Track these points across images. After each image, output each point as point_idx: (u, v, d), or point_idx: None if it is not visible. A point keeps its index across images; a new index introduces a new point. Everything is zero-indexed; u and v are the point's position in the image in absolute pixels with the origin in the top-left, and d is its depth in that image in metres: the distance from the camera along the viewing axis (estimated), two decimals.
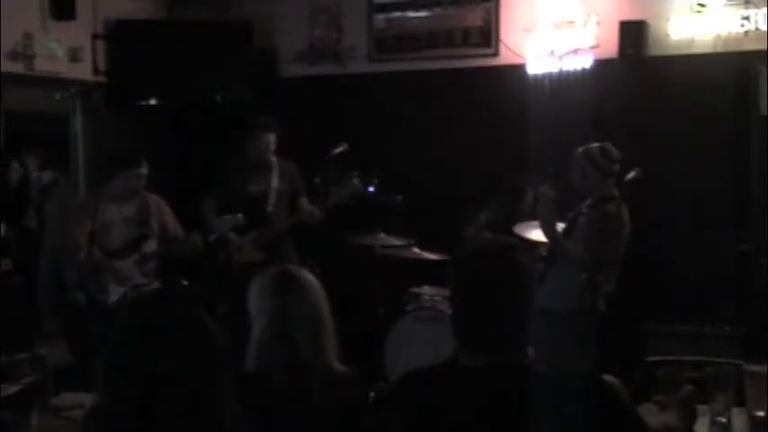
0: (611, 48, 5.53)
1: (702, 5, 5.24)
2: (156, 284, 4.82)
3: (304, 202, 5.19)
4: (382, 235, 5.31)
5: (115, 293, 4.67)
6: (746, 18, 5.11)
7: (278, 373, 2.39)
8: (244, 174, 5.17)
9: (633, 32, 5.45)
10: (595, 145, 4.29)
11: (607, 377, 2.07)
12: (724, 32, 5.20)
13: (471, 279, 1.99)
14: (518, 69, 5.74)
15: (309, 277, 2.54)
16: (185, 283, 5.24)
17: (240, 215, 4.94)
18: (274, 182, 5.17)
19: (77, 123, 6.28)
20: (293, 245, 5.26)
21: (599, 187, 4.27)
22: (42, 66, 5.67)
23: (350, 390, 2.49)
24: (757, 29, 5.10)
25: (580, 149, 4.31)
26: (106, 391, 1.80)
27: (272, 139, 5.16)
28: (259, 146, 5.13)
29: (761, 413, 2.67)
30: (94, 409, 1.87)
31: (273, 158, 5.20)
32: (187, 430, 1.74)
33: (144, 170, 4.73)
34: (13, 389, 3.15)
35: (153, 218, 4.82)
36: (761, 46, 5.07)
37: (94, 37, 6.18)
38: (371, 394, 4.96)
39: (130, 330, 1.82)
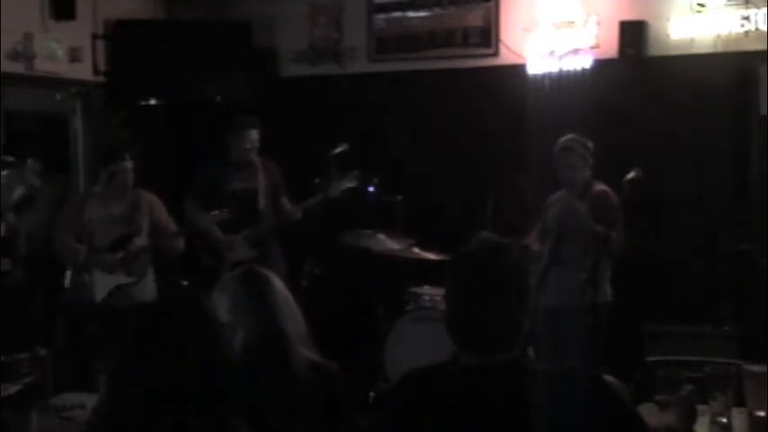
0: (611, 48, 5.53)
1: (702, 5, 5.24)
2: (143, 283, 4.80)
3: (285, 202, 5.20)
4: (382, 235, 5.31)
5: (101, 292, 4.67)
6: (746, 18, 5.11)
7: (270, 369, 2.41)
8: (229, 172, 5.17)
9: (633, 32, 5.45)
10: (574, 135, 4.51)
11: (607, 377, 2.07)
12: (724, 32, 5.20)
13: (465, 279, 1.99)
14: (518, 69, 5.73)
15: (269, 272, 2.60)
16: (185, 283, 5.24)
17: (225, 210, 4.92)
18: (261, 180, 5.18)
19: (77, 123, 6.27)
20: (279, 243, 5.26)
21: (585, 173, 4.49)
22: (42, 66, 5.66)
23: (332, 380, 2.51)
24: (757, 29, 5.10)
25: (573, 142, 4.47)
26: (111, 391, 1.81)
27: (254, 136, 5.15)
28: (242, 143, 5.13)
29: (761, 413, 2.67)
30: (99, 409, 1.88)
31: (257, 157, 5.20)
32: (191, 430, 1.75)
33: (128, 164, 4.73)
34: (13, 389, 3.15)
35: (143, 216, 4.80)
36: (761, 46, 5.07)
37: (94, 37, 6.18)
38: (371, 394, 4.99)
39: (138, 333, 1.82)
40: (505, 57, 5.89)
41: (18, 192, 5.53)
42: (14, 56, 5.50)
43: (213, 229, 5.07)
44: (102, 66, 6.25)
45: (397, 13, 6.24)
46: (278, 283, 2.57)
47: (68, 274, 4.69)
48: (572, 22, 5.55)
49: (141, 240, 4.77)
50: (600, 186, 4.48)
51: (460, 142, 5.95)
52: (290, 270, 5.10)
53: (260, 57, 6.49)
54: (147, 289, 4.83)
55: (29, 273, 5.40)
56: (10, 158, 5.61)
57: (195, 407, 1.75)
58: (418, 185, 5.91)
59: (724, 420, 2.65)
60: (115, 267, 4.71)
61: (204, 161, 5.41)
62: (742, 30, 5.13)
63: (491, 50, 5.95)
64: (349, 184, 5.09)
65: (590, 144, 4.53)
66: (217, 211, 4.93)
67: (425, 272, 5.31)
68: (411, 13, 6.20)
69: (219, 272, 5.06)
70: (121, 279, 4.72)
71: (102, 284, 4.68)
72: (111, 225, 4.75)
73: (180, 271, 5.21)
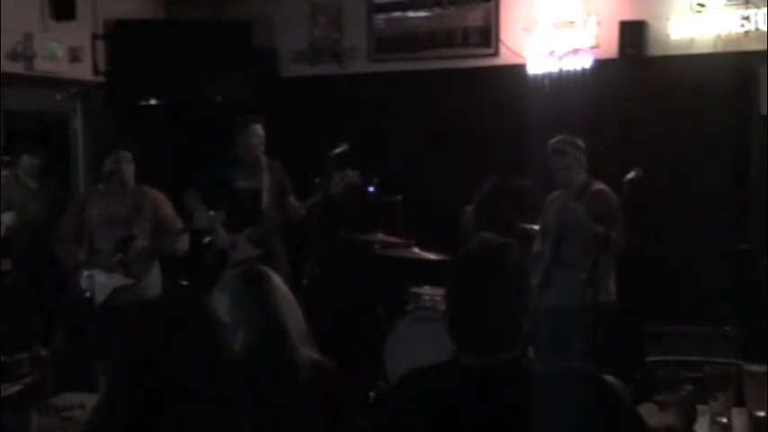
0: (611, 48, 5.53)
1: (702, 5, 5.25)
2: (147, 281, 4.78)
3: (292, 200, 5.21)
4: (382, 235, 5.31)
5: (102, 293, 4.65)
6: (746, 18, 5.11)
7: (271, 367, 2.41)
8: (234, 171, 5.18)
9: (633, 32, 5.45)
10: (564, 137, 4.50)
11: (607, 377, 2.07)
12: (724, 32, 5.20)
13: (465, 279, 1.99)
14: (518, 69, 5.74)
15: (270, 270, 2.61)
16: (185, 282, 5.24)
17: (219, 214, 4.91)
18: (265, 179, 5.18)
19: (77, 123, 6.28)
20: (282, 241, 5.26)
21: (581, 173, 4.49)
22: (42, 66, 5.67)
23: (332, 379, 2.51)
24: (757, 29, 5.10)
25: (564, 144, 4.48)
26: (111, 391, 1.81)
27: (260, 131, 5.16)
28: (249, 139, 5.13)
29: (761, 413, 2.67)
30: (99, 409, 1.88)
31: (263, 157, 5.20)
32: (192, 430, 1.75)
33: (125, 155, 4.71)
34: (13, 389, 3.15)
35: (145, 216, 4.75)
36: (761, 46, 5.07)
37: (94, 37, 6.18)
38: (371, 394, 4.99)
39: (138, 333, 1.82)
40: (505, 57, 5.89)
41: (15, 191, 5.53)
42: (14, 56, 5.51)
43: (216, 227, 5.06)
44: (102, 66, 6.25)
45: (397, 13, 6.25)
46: (278, 281, 2.57)
47: (84, 273, 4.68)
48: (572, 22, 5.56)
49: (142, 242, 4.74)
50: (598, 186, 4.48)
51: (460, 142, 5.95)
52: (291, 269, 5.11)
53: (260, 57, 6.50)
54: (153, 287, 4.79)
55: (28, 272, 5.41)
56: (6, 158, 5.61)
57: (196, 406, 1.75)
58: (418, 185, 5.91)
59: (724, 420, 2.65)
60: (114, 270, 4.68)
61: (210, 159, 5.41)
62: (742, 30, 5.13)
63: (491, 50, 5.96)
64: (350, 180, 5.08)
65: (581, 143, 4.51)
66: (212, 212, 4.91)
67: (425, 272, 5.30)
68: (411, 13, 6.21)
69: (221, 271, 5.06)
70: (121, 281, 4.69)
71: (103, 286, 4.66)
72: (112, 225, 4.72)
73: (182, 270, 5.21)
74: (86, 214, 4.72)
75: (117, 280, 4.68)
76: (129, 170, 4.75)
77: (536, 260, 4.52)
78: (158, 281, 4.87)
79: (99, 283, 4.65)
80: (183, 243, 4.89)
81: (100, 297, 4.65)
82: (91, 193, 5.01)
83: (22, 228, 5.43)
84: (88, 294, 4.61)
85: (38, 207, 5.64)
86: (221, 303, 2.49)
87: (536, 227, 4.75)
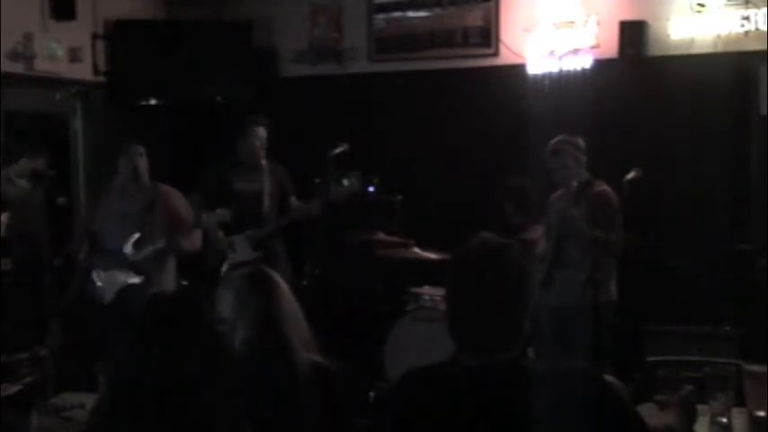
0: (611, 48, 5.53)
1: (702, 5, 5.25)
2: (161, 281, 4.75)
3: (295, 202, 5.20)
4: (382, 235, 5.31)
5: (110, 293, 4.64)
6: (746, 18, 5.11)
7: (269, 369, 2.41)
8: (235, 172, 5.18)
9: (633, 32, 5.46)
10: (563, 137, 4.51)
11: (607, 377, 2.07)
12: (724, 32, 5.20)
13: (464, 278, 1.99)
14: (518, 69, 5.74)
15: (276, 274, 2.61)
16: (184, 282, 5.23)
17: (227, 211, 4.90)
18: (266, 182, 5.18)
19: (77, 123, 6.28)
20: (283, 244, 5.26)
21: (581, 173, 4.47)
22: (42, 66, 5.67)
23: (332, 379, 2.51)
24: (757, 29, 5.10)
25: (562, 144, 4.48)
26: (111, 391, 1.81)
27: (262, 134, 5.16)
28: (251, 141, 5.14)
29: (761, 413, 2.67)
30: (98, 409, 1.88)
31: (264, 161, 5.20)
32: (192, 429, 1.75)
33: (139, 148, 4.70)
34: (13, 389, 3.15)
35: (157, 214, 4.74)
36: (761, 46, 5.07)
37: (94, 37, 6.18)
38: (371, 394, 4.99)
39: (144, 333, 1.83)
40: (505, 57, 5.89)
41: (9, 191, 5.52)
42: (14, 56, 5.51)
43: (214, 228, 5.06)
44: (102, 66, 6.25)
45: (397, 13, 6.25)
46: (284, 286, 2.57)
47: (98, 274, 4.67)
48: (572, 22, 5.56)
49: (153, 241, 4.71)
50: (600, 187, 4.47)
51: (460, 142, 5.95)
52: (292, 270, 5.10)
53: (260, 57, 6.50)
54: (165, 286, 4.73)
55: (28, 272, 5.41)
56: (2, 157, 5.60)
57: (196, 406, 1.75)
58: (418, 185, 5.90)
59: (724, 420, 2.65)
60: (126, 271, 4.65)
61: (210, 159, 5.41)
62: (742, 30, 5.13)
63: (491, 50, 5.96)
64: (350, 189, 5.06)
65: (581, 143, 4.51)
66: (222, 210, 4.90)
67: (425, 272, 5.30)
68: (411, 13, 6.21)
69: (220, 271, 5.07)
70: (130, 278, 4.67)
71: (111, 285, 4.64)
72: (125, 222, 4.70)
73: (182, 270, 5.21)
74: (98, 212, 4.71)
75: (126, 278, 4.65)
76: (143, 164, 4.74)
77: (540, 261, 4.52)
78: (172, 280, 4.84)
79: (108, 281, 4.63)
80: (196, 240, 4.85)
81: (108, 297, 4.63)
82: (104, 191, 4.98)
83: (19, 226, 5.42)
84: (101, 296, 4.61)
85: (34, 206, 5.63)
86: (224, 300, 2.50)
87: (538, 232, 4.75)
